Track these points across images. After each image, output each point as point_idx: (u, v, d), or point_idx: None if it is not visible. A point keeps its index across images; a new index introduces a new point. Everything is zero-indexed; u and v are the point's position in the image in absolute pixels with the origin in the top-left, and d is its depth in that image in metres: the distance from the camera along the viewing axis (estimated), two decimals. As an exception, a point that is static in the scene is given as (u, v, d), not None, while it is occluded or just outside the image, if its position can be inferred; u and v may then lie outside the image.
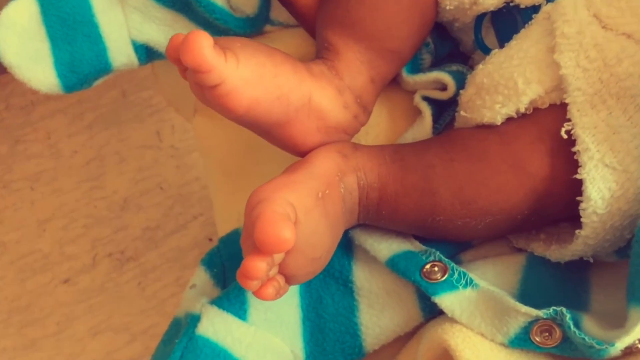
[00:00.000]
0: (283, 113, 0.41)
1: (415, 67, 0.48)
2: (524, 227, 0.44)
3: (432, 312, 0.44)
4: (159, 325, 0.98)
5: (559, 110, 0.41)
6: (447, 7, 0.45)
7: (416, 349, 0.43)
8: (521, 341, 0.39)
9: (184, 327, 0.44)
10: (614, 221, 0.39)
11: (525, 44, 0.42)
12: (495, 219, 0.42)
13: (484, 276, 0.43)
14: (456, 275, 0.42)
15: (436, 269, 0.42)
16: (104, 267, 1.03)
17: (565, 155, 0.40)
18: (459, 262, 0.45)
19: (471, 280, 0.42)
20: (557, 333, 0.39)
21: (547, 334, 0.39)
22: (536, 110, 0.42)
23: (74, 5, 0.51)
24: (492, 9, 0.44)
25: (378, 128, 0.49)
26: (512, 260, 0.44)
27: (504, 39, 0.45)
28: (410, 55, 0.47)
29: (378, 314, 0.44)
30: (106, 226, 1.07)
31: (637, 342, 0.36)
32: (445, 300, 0.41)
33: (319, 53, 0.45)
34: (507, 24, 0.45)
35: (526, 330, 0.39)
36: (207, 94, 0.38)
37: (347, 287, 0.45)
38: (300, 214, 0.38)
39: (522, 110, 0.42)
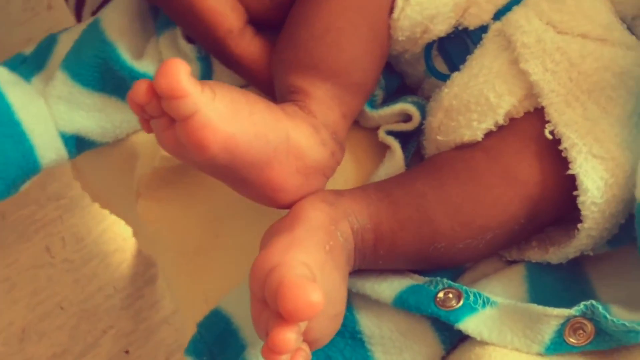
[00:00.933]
0: (262, 152, 0.38)
1: (372, 103, 0.48)
2: (520, 237, 0.44)
3: (452, 343, 0.43)
4: None
5: (534, 117, 0.42)
6: (400, 38, 0.46)
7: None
8: (557, 345, 0.39)
9: None
10: (611, 208, 0.41)
11: (486, 61, 0.44)
12: (495, 234, 0.42)
13: (493, 293, 0.43)
14: (472, 297, 0.41)
15: (450, 295, 0.41)
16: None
17: (552, 156, 0.41)
18: (477, 287, 0.44)
19: (488, 299, 0.41)
20: (590, 328, 0.39)
21: (580, 331, 0.39)
22: (512, 120, 0.43)
23: None
24: (442, 35, 0.46)
25: (345, 172, 0.48)
26: (513, 273, 0.45)
27: (455, 63, 0.46)
28: (373, 88, 0.47)
29: (397, 358, 0.42)
30: (7, 365, 0.98)
31: None
32: (470, 325, 0.40)
33: (286, 98, 0.44)
34: (457, 48, 0.46)
35: (560, 333, 0.39)
36: (179, 130, 0.36)
37: (355, 339, 0.43)
38: (317, 272, 0.36)
39: (501, 122, 0.43)
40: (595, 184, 0.40)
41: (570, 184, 0.41)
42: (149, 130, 0.38)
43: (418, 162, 0.47)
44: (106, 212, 0.67)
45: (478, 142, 0.43)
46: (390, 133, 0.48)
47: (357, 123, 0.49)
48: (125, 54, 0.49)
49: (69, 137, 0.50)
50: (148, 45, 0.49)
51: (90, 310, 1.05)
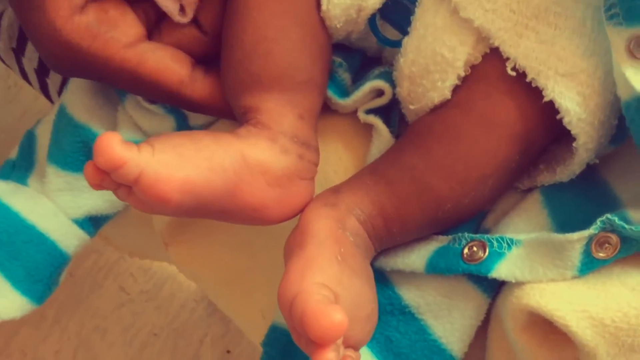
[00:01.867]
0: (224, 181, 0.39)
1: (342, 89, 0.48)
2: (523, 169, 0.44)
3: (493, 289, 0.44)
4: None
5: (493, 57, 0.42)
6: (338, 26, 0.45)
7: (501, 329, 0.43)
8: (589, 264, 0.40)
9: None
10: (599, 117, 0.40)
11: (428, 19, 0.43)
12: (495, 179, 0.43)
13: (516, 230, 0.44)
14: (495, 243, 0.42)
15: (475, 248, 0.42)
16: None
17: (523, 89, 0.41)
18: (487, 232, 0.45)
19: (512, 240, 0.42)
20: (614, 239, 0.39)
21: (606, 244, 0.39)
22: (473, 67, 0.42)
23: (1, 221, 0.49)
24: (378, 6, 0.45)
25: (343, 163, 0.49)
26: (530, 204, 0.45)
27: (403, 26, 0.45)
28: (325, 79, 0.47)
29: (448, 319, 0.44)
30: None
31: None
32: (502, 270, 0.41)
33: (243, 120, 0.44)
34: (399, 12, 0.45)
35: (587, 252, 0.39)
36: (137, 192, 0.38)
37: (405, 313, 0.45)
38: (336, 288, 0.37)
39: (462, 73, 0.42)
40: (574, 101, 0.40)
41: (550, 108, 0.40)
42: (116, 191, 0.39)
43: (406, 127, 0.47)
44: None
45: (449, 100, 0.43)
46: (369, 111, 0.48)
47: (338, 112, 0.49)
48: (100, 130, 0.50)
49: (82, 221, 0.51)
50: (117, 114, 0.50)
51: (180, 328, 1.10)
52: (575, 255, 0.40)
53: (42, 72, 0.61)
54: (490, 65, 0.42)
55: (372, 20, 0.46)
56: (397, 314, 0.45)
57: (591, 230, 0.39)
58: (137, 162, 0.37)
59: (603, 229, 0.39)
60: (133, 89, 0.46)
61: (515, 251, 0.42)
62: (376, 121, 0.47)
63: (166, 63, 0.45)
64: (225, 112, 0.47)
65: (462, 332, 0.43)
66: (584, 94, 0.40)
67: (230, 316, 0.57)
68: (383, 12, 0.46)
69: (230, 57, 0.45)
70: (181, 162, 0.38)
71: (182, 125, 0.50)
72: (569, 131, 0.41)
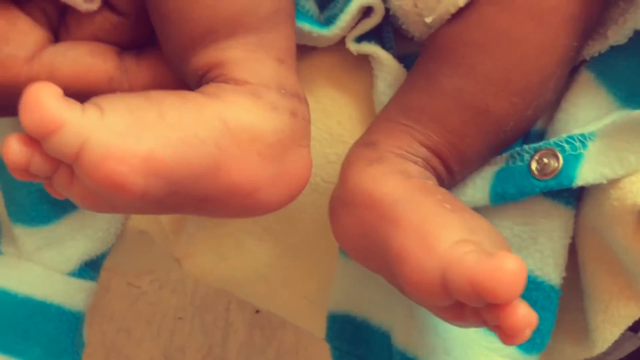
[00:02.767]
0: (201, 157, 0.30)
1: (312, 19, 0.39)
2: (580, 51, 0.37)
3: (576, 197, 0.38)
4: None
5: None
6: None
7: (597, 239, 0.37)
8: None
9: None
10: None
11: None
12: (557, 76, 0.36)
13: (578, 122, 0.37)
14: (567, 146, 0.35)
15: (545, 160, 0.36)
16: None
17: None
18: (543, 136, 0.38)
19: (583, 135, 0.36)
20: None
21: None
22: None
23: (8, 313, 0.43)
24: None
25: (344, 110, 0.40)
26: (581, 85, 0.38)
27: None
28: (291, 11, 0.36)
29: (535, 248, 0.38)
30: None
31: None
32: (587, 174, 0.35)
33: (200, 84, 0.34)
34: None
35: None
36: (81, 175, 0.28)
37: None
38: (471, 237, 0.31)
39: None
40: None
41: None
42: (61, 196, 0.30)
43: (405, 46, 0.39)
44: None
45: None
46: (358, 40, 0.39)
47: (316, 49, 0.40)
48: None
49: (79, 270, 0.45)
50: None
51: (202, 303, 1.06)
52: None
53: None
54: None
55: None
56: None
57: None
58: (79, 125, 0.27)
59: None
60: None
61: (592, 147, 0.35)
62: (374, 49, 0.38)
63: (84, 63, 0.34)
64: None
65: (555, 256, 0.38)
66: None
67: (274, 311, 0.51)
68: None
69: (167, 19, 0.33)
70: (141, 129, 0.28)
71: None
72: None
